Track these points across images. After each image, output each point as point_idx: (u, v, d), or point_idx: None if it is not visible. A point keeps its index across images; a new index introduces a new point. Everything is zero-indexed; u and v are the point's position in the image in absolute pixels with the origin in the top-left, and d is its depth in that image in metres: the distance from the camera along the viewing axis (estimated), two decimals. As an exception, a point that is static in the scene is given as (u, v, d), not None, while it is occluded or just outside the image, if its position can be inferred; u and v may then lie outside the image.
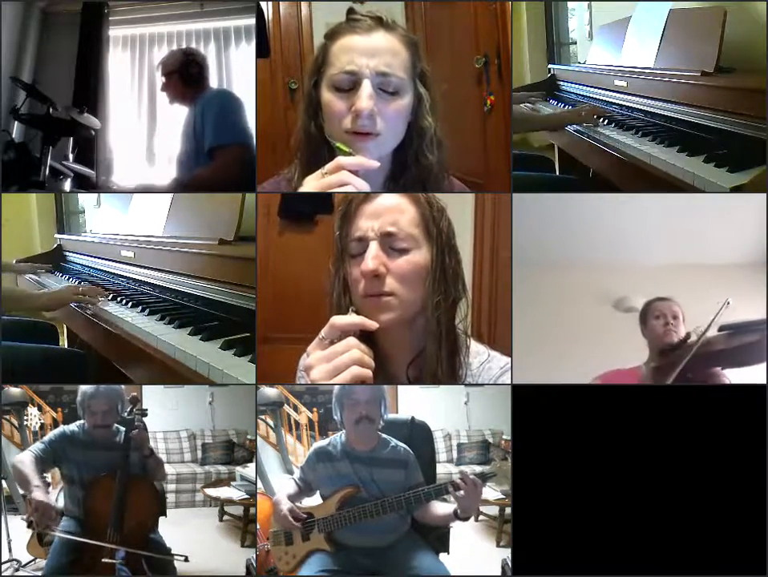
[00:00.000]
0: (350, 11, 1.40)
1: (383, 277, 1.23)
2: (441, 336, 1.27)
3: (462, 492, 1.64)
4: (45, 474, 2.42)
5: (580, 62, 3.22)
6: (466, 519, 1.71)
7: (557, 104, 2.98)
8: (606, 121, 2.55)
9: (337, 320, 1.16)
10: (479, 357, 1.33)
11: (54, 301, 2.54)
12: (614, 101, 2.72)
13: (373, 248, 1.23)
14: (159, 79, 2.69)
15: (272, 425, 3.13)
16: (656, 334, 1.94)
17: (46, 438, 1.94)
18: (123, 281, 2.82)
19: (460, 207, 2.66)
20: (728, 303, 1.68)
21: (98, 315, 2.36)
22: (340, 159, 1.31)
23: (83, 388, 1.94)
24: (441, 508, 1.76)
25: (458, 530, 1.92)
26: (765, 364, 1.69)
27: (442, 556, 1.84)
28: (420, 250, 1.26)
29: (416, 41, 1.43)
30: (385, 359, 1.35)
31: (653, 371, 1.82)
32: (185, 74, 2.62)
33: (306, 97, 1.45)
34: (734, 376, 1.78)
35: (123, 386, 1.99)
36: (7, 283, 2.60)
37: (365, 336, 1.29)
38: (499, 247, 2.66)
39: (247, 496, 3.01)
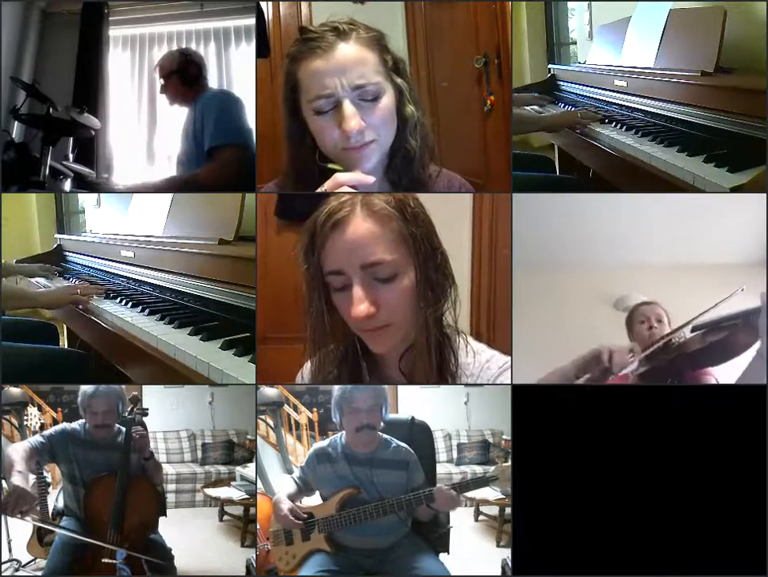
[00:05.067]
0: (303, 30, 1.37)
1: (375, 315, 1.20)
2: (429, 346, 1.26)
3: (438, 503, 1.67)
4: (43, 469, 2.43)
5: (580, 62, 3.22)
6: (446, 514, 1.79)
7: (565, 106, 2.98)
8: (606, 121, 2.56)
9: None
10: (478, 356, 1.32)
11: (53, 302, 2.57)
12: (614, 101, 2.72)
13: (357, 289, 1.19)
14: (158, 82, 2.69)
15: (272, 425, 3.13)
16: (641, 338, 1.97)
17: (46, 432, 1.95)
18: (123, 281, 2.82)
19: (458, 206, 2.66)
20: (741, 289, 1.65)
21: (98, 315, 2.36)
22: (338, 177, 1.33)
23: (83, 388, 1.94)
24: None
25: (458, 530, 1.92)
26: (738, 358, 1.67)
27: (442, 556, 1.84)
28: (406, 273, 1.22)
29: (378, 35, 1.39)
30: (379, 359, 1.35)
31: (638, 377, 1.81)
32: (184, 75, 2.62)
33: (284, 121, 1.44)
34: (723, 377, 1.77)
35: (123, 386, 1.99)
36: (8, 282, 2.60)
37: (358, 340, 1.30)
38: (497, 245, 2.66)
39: (247, 496, 3.01)
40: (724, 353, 1.61)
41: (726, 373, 1.71)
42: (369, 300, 1.19)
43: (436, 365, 1.28)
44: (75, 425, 1.95)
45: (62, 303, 2.56)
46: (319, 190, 1.34)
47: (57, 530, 1.90)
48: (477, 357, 1.32)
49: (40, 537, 2.40)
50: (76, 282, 2.96)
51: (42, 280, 3.02)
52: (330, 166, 1.37)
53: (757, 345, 1.54)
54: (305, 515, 1.80)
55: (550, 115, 2.85)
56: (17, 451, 1.84)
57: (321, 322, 1.28)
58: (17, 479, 1.75)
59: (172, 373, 1.81)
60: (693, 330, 1.69)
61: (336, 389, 1.71)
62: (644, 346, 1.87)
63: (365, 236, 1.20)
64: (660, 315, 2.00)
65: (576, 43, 3.28)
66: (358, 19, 1.41)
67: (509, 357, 1.34)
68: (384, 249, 1.20)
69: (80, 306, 2.50)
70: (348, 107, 1.32)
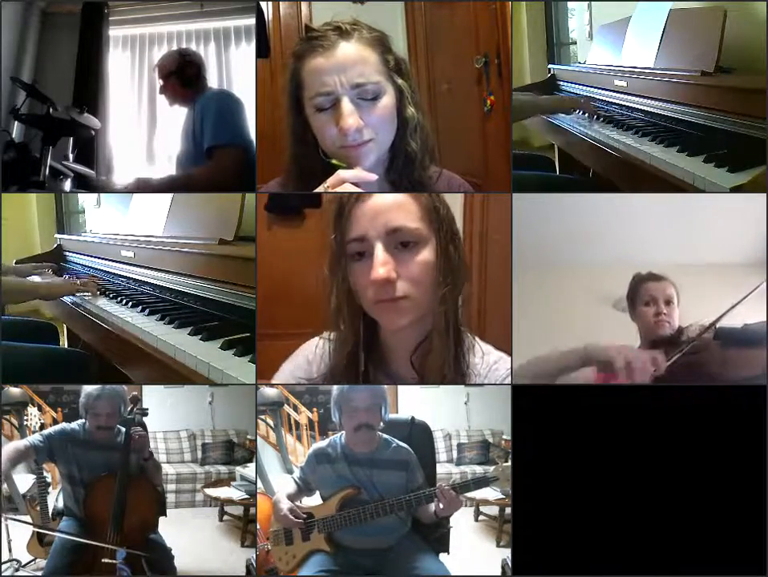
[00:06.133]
0: (307, 29, 1.40)
1: (394, 282, 1.21)
2: (448, 330, 1.26)
3: (441, 505, 1.66)
4: (43, 469, 2.43)
5: (580, 62, 3.22)
6: (446, 518, 1.78)
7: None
8: (606, 121, 2.56)
9: None
10: (487, 356, 1.33)
11: (53, 292, 2.60)
12: (614, 101, 2.72)
13: (380, 251, 1.21)
14: (157, 82, 2.69)
15: (272, 425, 3.13)
16: (646, 323, 1.77)
17: (45, 432, 1.94)
18: (123, 281, 2.82)
19: (453, 203, 2.66)
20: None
21: (98, 315, 2.36)
22: (341, 173, 1.33)
23: (87, 390, 1.93)
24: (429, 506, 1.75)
25: (458, 530, 1.92)
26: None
27: (442, 556, 1.84)
28: (427, 245, 1.24)
29: (380, 36, 1.40)
30: (388, 352, 1.35)
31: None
32: (183, 76, 2.62)
33: (288, 118, 1.45)
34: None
35: (125, 387, 1.99)
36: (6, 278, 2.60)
37: (369, 329, 1.30)
38: (488, 239, 2.65)
39: (247, 496, 3.01)
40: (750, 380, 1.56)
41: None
42: (390, 264, 1.20)
43: (453, 357, 1.28)
44: (74, 425, 1.95)
45: (62, 293, 2.60)
46: (321, 186, 1.35)
47: (55, 534, 1.90)
48: (485, 357, 1.33)
49: (40, 537, 2.40)
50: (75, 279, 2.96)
51: (37, 278, 3.03)
52: (334, 162, 1.38)
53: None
54: (305, 515, 1.80)
55: (549, 97, 2.85)
56: (5, 450, 1.84)
57: (347, 288, 1.27)
58: None
59: (172, 373, 1.81)
60: (715, 337, 1.55)
61: (335, 388, 1.71)
62: (650, 333, 1.78)
63: (393, 203, 1.24)
64: (671, 296, 1.76)
65: (575, 43, 3.29)
66: (359, 20, 1.41)
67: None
68: (409, 217, 1.23)
69: (80, 307, 2.50)
70: (346, 105, 1.33)
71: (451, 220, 1.29)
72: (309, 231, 2.81)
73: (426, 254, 1.24)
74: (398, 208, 1.23)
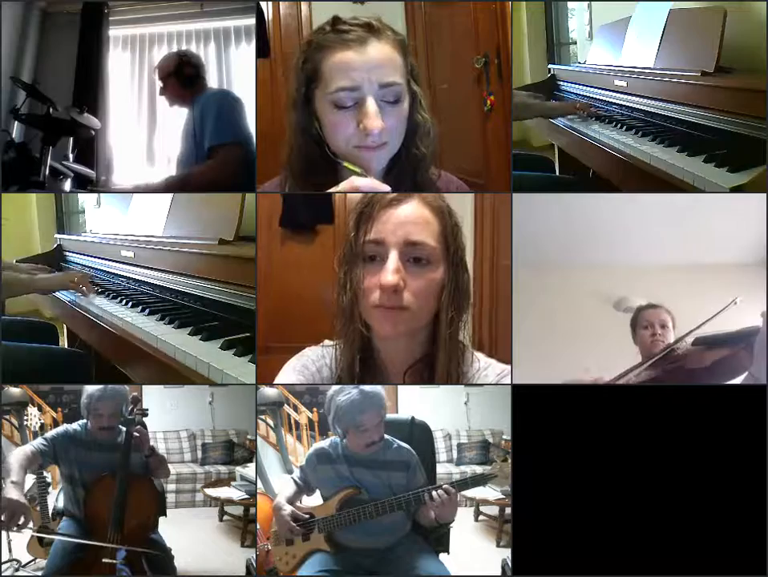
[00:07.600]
0: (336, 20, 1.34)
1: (401, 291, 1.22)
2: (452, 350, 1.28)
3: (435, 503, 1.64)
4: (43, 471, 2.43)
5: (580, 62, 3.22)
6: (446, 525, 1.75)
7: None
8: (606, 121, 2.56)
9: None
10: (475, 364, 1.34)
11: (49, 285, 2.63)
12: (614, 101, 2.72)
13: (394, 258, 1.22)
14: (157, 84, 2.70)
15: (272, 425, 3.13)
16: (644, 343, 1.97)
17: (48, 435, 1.93)
18: (123, 281, 2.82)
19: (459, 211, 2.66)
20: (735, 302, 1.67)
21: (98, 315, 2.36)
22: (354, 181, 1.32)
23: (89, 390, 1.92)
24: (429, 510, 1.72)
25: (458, 530, 1.92)
26: (741, 376, 1.69)
27: (442, 556, 1.83)
28: (439, 266, 1.26)
29: (403, 39, 1.38)
30: (382, 364, 1.35)
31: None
32: (182, 77, 2.63)
33: (297, 109, 1.40)
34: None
35: (126, 387, 1.99)
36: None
37: (365, 339, 1.31)
38: (498, 254, 2.66)
39: (247, 496, 3.01)
40: (724, 375, 1.63)
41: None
42: (401, 273, 1.21)
43: (455, 373, 1.30)
44: (76, 426, 1.94)
45: (57, 287, 2.64)
46: (334, 189, 1.34)
47: (55, 537, 1.89)
48: (473, 364, 1.35)
49: (40, 537, 2.40)
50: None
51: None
52: (346, 165, 1.34)
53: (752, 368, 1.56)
54: (306, 516, 1.80)
55: (549, 103, 2.86)
56: (15, 458, 1.82)
57: (356, 288, 1.27)
58: (11, 492, 1.71)
59: (172, 373, 1.81)
60: (694, 343, 1.69)
61: (333, 406, 1.67)
62: (647, 353, 1.93)
63: (418, 217, 1.25)
64: (665, 320, 1.97)
65: (575, 43, 3.29)
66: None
67: (507, 366, 1.36)
68: (430, 235, 1.25)
69: (80, 307, 2.51)
70: (372, 105, 1.30)
71: (463, 248, 1.31)
72: (320, 246, 2.83)
73: (436, 274, 1.25)
74: (422, 223, 1.25)
